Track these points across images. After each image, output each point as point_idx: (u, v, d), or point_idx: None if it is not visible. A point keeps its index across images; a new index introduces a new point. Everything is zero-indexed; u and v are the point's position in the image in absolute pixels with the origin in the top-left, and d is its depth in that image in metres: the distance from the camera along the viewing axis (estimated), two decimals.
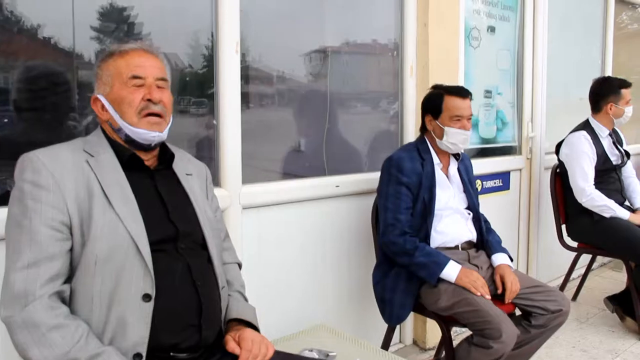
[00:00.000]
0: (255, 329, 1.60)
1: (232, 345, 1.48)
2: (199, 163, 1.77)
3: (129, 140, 1.50)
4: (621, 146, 3.67)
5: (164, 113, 1.52)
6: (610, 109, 3.51)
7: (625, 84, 3.54)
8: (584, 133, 3.48)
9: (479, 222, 2.57)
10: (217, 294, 1.55)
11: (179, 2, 2.20)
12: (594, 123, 3.55)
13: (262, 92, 2.57)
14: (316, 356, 1.96)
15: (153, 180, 1.54)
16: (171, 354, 1.41)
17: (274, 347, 1.54)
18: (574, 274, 3.95)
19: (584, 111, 3.64)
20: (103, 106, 1.51)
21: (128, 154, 1.50)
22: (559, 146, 3.62)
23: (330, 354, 1.98)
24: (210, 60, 2.28)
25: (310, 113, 2.78)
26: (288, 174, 2.66)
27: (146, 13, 2.10)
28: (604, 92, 3.54)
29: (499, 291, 2.37)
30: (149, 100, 1.49)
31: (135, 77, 1.48)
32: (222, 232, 1.76)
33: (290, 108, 2.73)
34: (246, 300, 1.73)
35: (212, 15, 2.25)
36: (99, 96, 1.51)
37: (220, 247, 1.67)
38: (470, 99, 2.50)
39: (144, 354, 1.35)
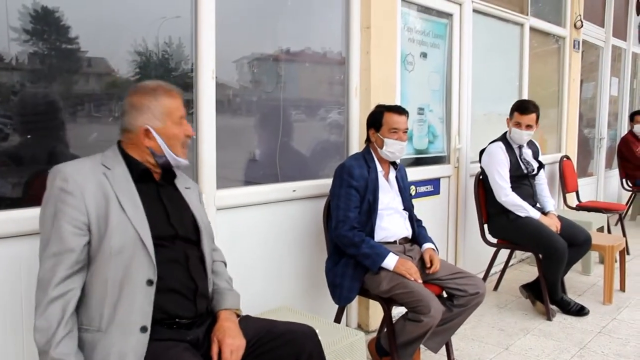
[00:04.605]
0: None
1: (214, 350, 1.79)
2: (193, 182, 2.13)
3: (167, 163, 1.87)
4: (536, 158, 4.11)
5: None
6: (509, 125, 4.00)
7: (521, 110, 3.90)
8: (500, 144, 3.94)
9: (413, 221, 2.98)
10: (205, 278, 1.92)
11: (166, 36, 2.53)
12: (508, 136, 4.01)
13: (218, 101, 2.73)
14: None
15: (158, 191, 1.88)
16: (176, 320, 1.78)
17: (242, 347, 1.82)
18: (496, 268, 4.39)
19: (503, 125, 4.09)
20: (148, 134, 1.81)
21: (142, 168, 1.83)
22: (481, 153, 4.04)
23: None
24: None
25: (264, 124, 3.08)
26: (247, 181, 2.96)
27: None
28: (510, 111, 4.02)
29: (427, 269, 2.80)
30: (187, 136, 1.89)
31: (182, 118, 1.87)
32: (212, 236, 2.11)
33: (246, 118, 3.01)
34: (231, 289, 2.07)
35: (192, 49, 2.58)
36: (149, 128, 1.81)
37: (211, 247, 2.02)
38: (407, 116, 2.91)
39: (149, 326, 1.69)
